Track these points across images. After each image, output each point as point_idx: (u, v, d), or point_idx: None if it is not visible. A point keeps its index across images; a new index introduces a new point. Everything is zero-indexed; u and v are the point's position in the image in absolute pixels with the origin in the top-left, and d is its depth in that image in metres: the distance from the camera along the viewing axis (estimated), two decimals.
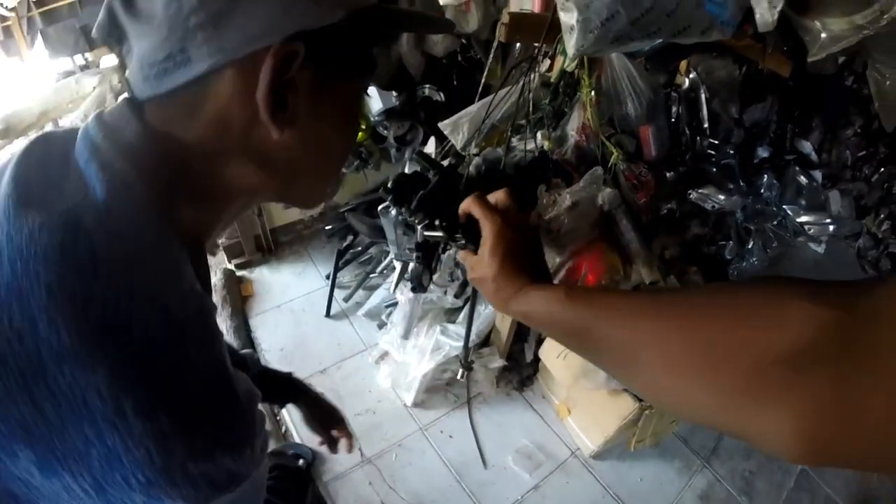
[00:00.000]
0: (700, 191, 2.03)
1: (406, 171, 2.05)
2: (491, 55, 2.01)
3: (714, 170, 2.07)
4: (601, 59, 1.68)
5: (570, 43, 1.31)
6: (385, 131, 2.47)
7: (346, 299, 2.83)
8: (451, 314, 2.36)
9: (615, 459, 2.36)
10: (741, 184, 2.11)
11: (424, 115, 2.45)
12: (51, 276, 0.45)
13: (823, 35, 1.48)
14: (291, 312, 2.80)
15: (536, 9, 1.59)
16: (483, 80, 2.08)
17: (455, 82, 2.53)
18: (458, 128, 1.70)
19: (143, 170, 0.53)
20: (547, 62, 1.76)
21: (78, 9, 4.95)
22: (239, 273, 2.94)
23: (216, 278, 2.79)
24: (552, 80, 1.69)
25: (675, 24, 1.39)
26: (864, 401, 0.38)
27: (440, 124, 1.77)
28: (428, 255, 1.71)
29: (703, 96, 2.03)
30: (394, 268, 2.34)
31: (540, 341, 2.37)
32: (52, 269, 0.45)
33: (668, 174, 1.95)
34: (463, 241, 0.91)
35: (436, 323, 2.32)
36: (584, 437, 2.34)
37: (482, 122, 1.66)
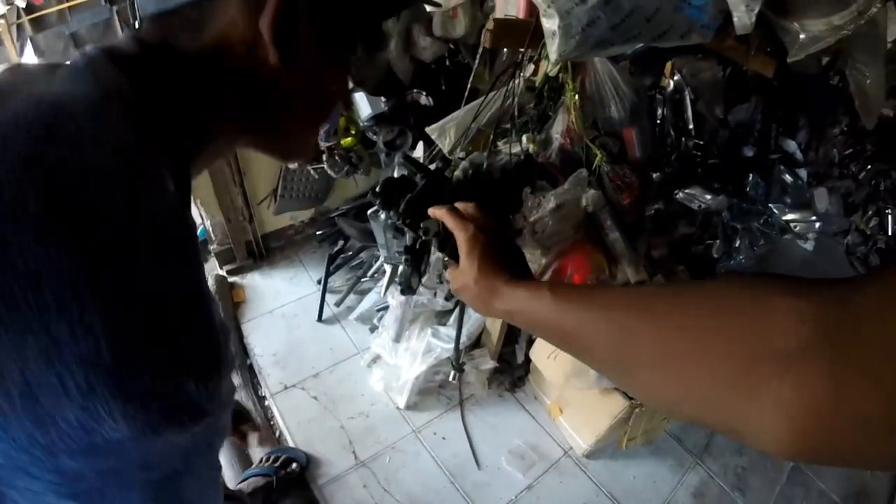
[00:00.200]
0: (686, 191, 2.08)
1: (394, 175, 2.10)
2: (477, 60, 2.05)
3: (700, 170, 2.12)
4: (585, 63, 1.73)
5: (553, 48, 1.36)
6: (375, 136, 2.51)
7: (338, 304, 2.86)
8: (442, 317, 2.39)
9: (608, 458, 2.40)
10: (727, 183, 2.16)
11: (413, 119, 2.49)
12: (29, 149, 0.43)
13: (802, 36, 1.53)
14: (283, 318, 2.82)
15: (521, 15, 1.62)
16: (470, 85, 2.12)
17: (443, 87, 2.56)
18: (446, 132, 1.74)
19: (134, 78, 0.51)
20: (532, 67, 1.80)
21: (68, 16, 4.96)
22: (231, 279, 2.97)
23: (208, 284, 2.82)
24: (537, 84, 1.73)
25: (655, 28, 1.43)
26: (853, 396, 0.38)
27: (427, 129, 1.81)
28: (416, 257, 1.74)
29: (687, 98, 2.08)
30: (384, 271, 2.36)
31: (531, 342, 2.41)
32: (31, 143, 0.43)
33: (654, 175, 2.00)
34: (445, 256, 0.93)
35: (427, 325, 2.35)
36: (576, 436, 2.37)
37: (469, 127, 1.70)
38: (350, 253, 2.86)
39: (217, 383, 0.48)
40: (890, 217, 3.85)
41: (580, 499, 2.27)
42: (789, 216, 2.36)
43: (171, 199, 0.50)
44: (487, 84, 2.03)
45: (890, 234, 3.89)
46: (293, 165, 2.72)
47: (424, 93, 2.53)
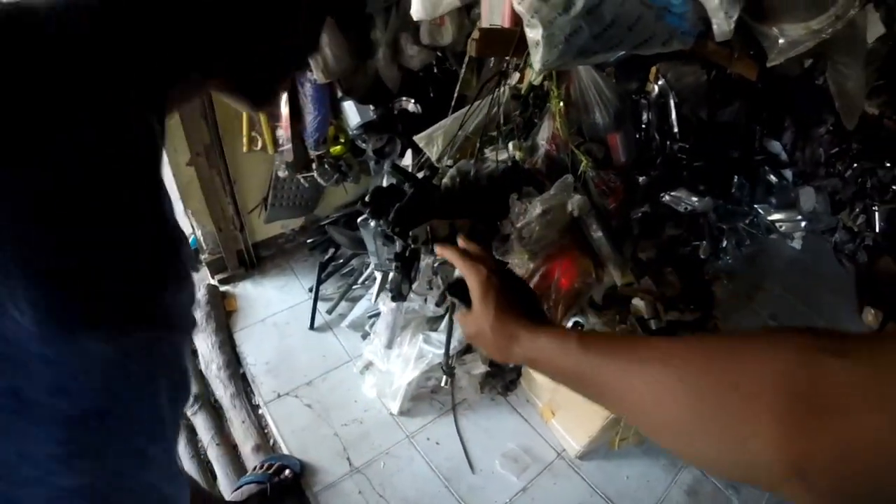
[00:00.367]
0: (672, 194, 2.13)
1: (383, 184, 2.13)
2: (464, 67, 2.09)
3: (685, 173, 2.17)
4: (569, 70, 1.77)
5: (537, 58, 1.40)
6: (364, 144, 2.55)
7: (330, 311, 2.88)
8: (433, 322, 2.43)
9: (601, 459, 2.43)
10: (713, 185, 2.21)
11: (402, 127, 2.52)
12: None
13: (781, 41, 1.57)
14: (275, 326, 2.85)
15: (506, 23, 1.66)
16: (457, 92, 2.16)
17: (431, 94, 2.60)
18: (433, 140, 1.78)
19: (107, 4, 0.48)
20: (517, 75, 1.84)
21: None
22: (222, 288, 2.99)
23: (199, 294, 2.84)
24: (522, 92, 1.77)
25: (637, 36, 1.48)
26: (856, 442, 0.39)
27: (415, 137, 1.85)
28: (406, 264, 1.79)
29: (672, 102, 2.13)
30: (375, 278, 2.40)
31: None
32: None
33: (640, 178, 2.05)
34: (455, 300, 0.91)
35: (418, 331, 2.39)
36: (568, 438, 2.41)
37: (456, 135, 1.74)
38: (341, 260, 2.89)
39: (160, 288, 0.42)
40: (877, 214, 3.92)
41: (574, 500, 2.30)
42: (775, 216, 2.42)
43: (144, 116, 0.47)
44: (475, 91, 2.07)
45: (877, 230, 3.96)
46: (282, 174, 2.74)
47: (413, 100, 2.57)
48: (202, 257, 3.00)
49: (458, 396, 2.53)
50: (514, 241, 1.60)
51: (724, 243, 2.38)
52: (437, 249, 0.94)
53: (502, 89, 1.67)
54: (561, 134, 1.72)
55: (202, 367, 2.64)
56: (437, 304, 2.21)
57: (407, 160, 2.32)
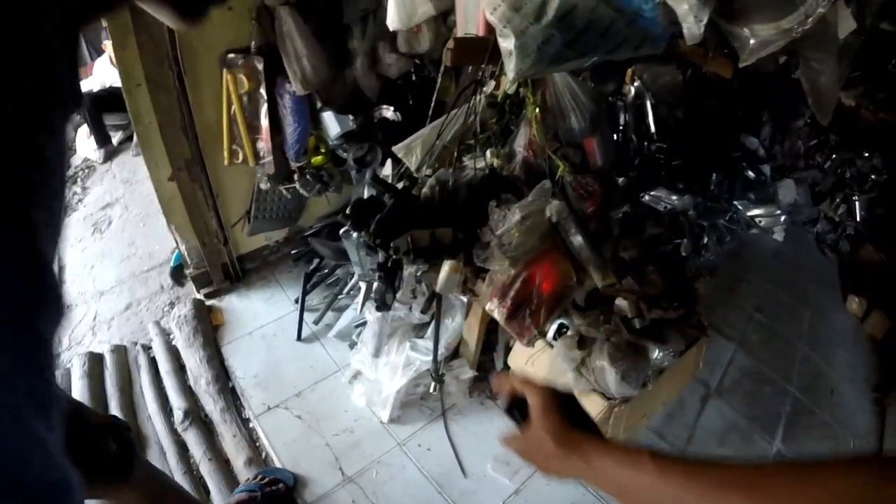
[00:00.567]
0: (652, 193, 2.17)
1: (364, 195, 2.16)
2: (441, 74, 2.13)
3: (664, 172, 2.21)
4: (544, 77, 1.80)
5: (510, 67, 1.43)
6: (345, 154, 2.58)
7: (316, 322, 2.91)
8: (419, 330, 2.46)
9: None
10: (691, 183, 2.25)
11: (382, 135, 2.56)
12: None
13: (752, 41, 1.61)
14: (263, 338, 2.87)
15: (481, 32, 1.69)
16: (435, 98, 2.19)
17: (410, 101, 2.63)
18: (412, 150, 1.81)
19: None
20: (493, 83, 1.87)
21: None
22: (208, 302, 3.01)
23: (186, 309, 2.85)
24: (498, 99, 1.81)
25: (609, 42, 1.51)
26: None
27: (394, 148, 1.88)
28: (390, 275, 1.82)
29: (648, 103, 2.17)
30: (360, 288, 2.43)
31: (508, 349, 2.48)
32: None
33: (619, 180, 2.09)
34: (516, 419, 0.92)
35: (405, 339, 2.42)
36: None
37: (434, 144, 1.77)
38: (326, 271, 2.92)
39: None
40: (857, 203, 4.01)
41: (567, 500, 2.33)
42: (754, 211, 2.46)
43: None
44: (453, 97, 2.10)
45: (858, 219, 4.04)
46: (265, 186, 2.76)
47: (392, 108, 2.60)
48: (187, 272, 3.02)
49: (448, 402, 2.56)
50: (494, 248, 1.64)
51: (705, 240, 2.43)
52: (495, 384, 0.95)
53: (478, 98, 1.70)
54: (538, 140, 1.75)
55: (191, 382, 2.66)
56: (423, 311, 2.25)
57: (387, 170, 2.35)
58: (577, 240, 1.70)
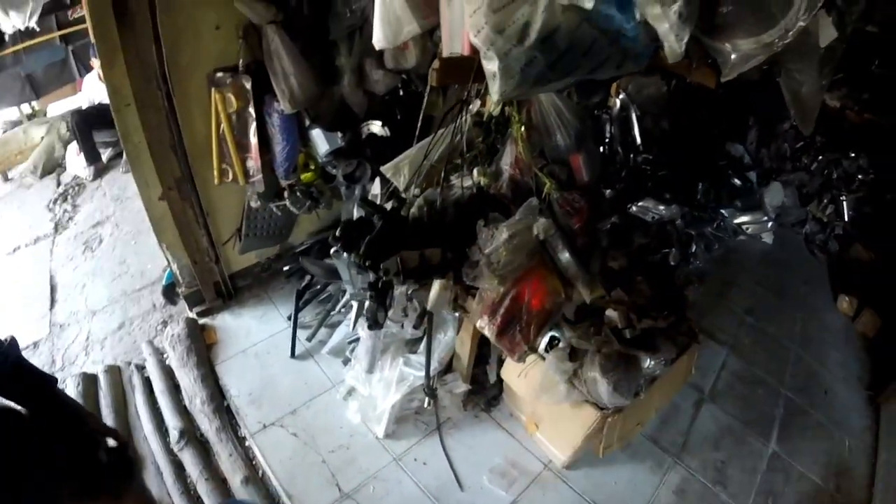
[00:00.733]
0: (639, 204, 2.21)
1: (354, 211, 2.19)
2: (427, 93, 2.15)
3: (650, 183, 2.24)
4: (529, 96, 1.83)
5: (494, 89, 1.45)
6: (334, 170, 2.60)
7: (310, 338, 2.93)
8: (412, 345, 2.49)
9: (588, 467, 2.49)
10: (678, 193, 2.29)
11: (371, 151, 2.58)
12: None
13: (734, 56, 1.62)
14: (256, 356, 2.89)
15: (466, 51, 1.71)
16: (423, 113, 2.21)
17: (398, 116, 2.66)
18: (399, 170, 1.84)
19: None
20: (478, 102, 1.90)
21: (23, 57, 4.97)
22: (201, 321, 3.03)
23: (179, 328, 2.86)
24: (484, 118, 1.83)
25: (592, 61, 1.53)
26: None
27: (382, 168, 1.90)
28: (381, 294, 1.84)
29: (633, 115, 2.20)
30: (352, 305, 2.45)
31: (501, 362, 2.50)
32: None
33: (606, 192, 2.12)
34: None
35: (398, 355, 2.45)
36: (553, 449, 2.48)
37: (421, 164, 1.79)
38: (318, 287, 2.94)
39: None
40: (845, 203, 4.05)
41: None
42: (741, 219, 2.50)
43: None
44: (441, 111, 2.12)
45: (846, 219, 4.09)
46: (255, 204, 2.78)
47: (380, 123, 2.62)
48: (179, 290, 3.03)
49: (442, 416, 2.58)
50: (483, 266, 1.66)
51: (694, 248, 2.46)
52: None
53: (464, 118, 1.72)
54: (524, 158, 1.78)
55: (186, 401, 2.68)
56: (415, 327, 2.27)
57: (376, 188, 2.37)
58: (565, 256, 1.73)
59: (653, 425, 2.68)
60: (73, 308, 3.35)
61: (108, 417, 2.58)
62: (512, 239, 1.61)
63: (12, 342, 1.25)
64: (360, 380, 2.52)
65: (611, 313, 2.02)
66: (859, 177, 4.04)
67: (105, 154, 4.68)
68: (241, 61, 2.47)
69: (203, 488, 2.35)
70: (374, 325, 1.81)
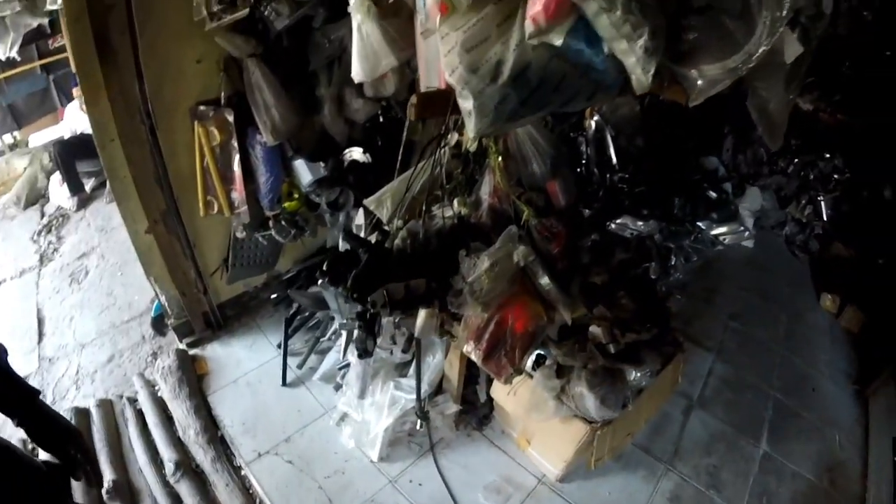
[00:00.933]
0: (618, 221, 2.28)
1: (339, 240, 2.25)
2: (407, 123, 2.21)
3: (628, 200, 2.31)
4: None
5: (470, 126, 1.52)
6: (318, 198, 2.66)
7: (300, 366, 2.98)
8: (401, 368, 2.55)
9: (581, 479, 2.55)
10: (655, 209, 2.36)
11: (353, 178, 2.65)
12: None
13: (700, 81, 1.69)
14: (248, 385, 2.93)
15: (442, 84, 1.78)
16: (405, 138, 2.28)
17: (379, 142, 2.72)
18: (382, 203, 1.91)
19: None
20: (456, 135, 1.97)
21: (4, 87, 5.00)
22: (191, 352, 3.07)
23: (169, 360, 2.90)
24: (462, 150, 1.91)
25: (563, 95, 1.60)
26: None
27: (365, 201, 1.97)
28: (369, 323, 1.90)
29: (608, 135, 2.28)
30: (342, 332, 2.50)
31: (490, 381, 2.57)
32: None
33: (585, 211, 2.20)
34: None
35: (389, 379, 2.50)
36: (546, 463, 2.54)
37: (403, 196, 1.86)
38: (306, 314, 2.99)
39: None
40: (823, 203, 4.17)
41: None
42: (718, 230, 2.57)
43: None
44: (421, 136, 2.19)
45: (825, 219, 4.21)
46: (241, 234, 2.83)
47: (361, 149, 2.68)
48: (168, 322, 3.07)
49: (435, 436, 2.64)
50: (466, 294, 1.73)
51: (673, 261, 2.53)
52: None
53: (443, 150, 1.79)
54: (502, 186, 1.85)
55: (180, 433, 2.71)
56: (404, 352, 2.33)
57: (360, 219, 2.43)
58: (545, 280, 1.81)
59: (643, 435, 2.74)
60: (62, 341, 3.37)
61: (101, 451, 2.60)
62: (493, 267, 1.68)
63: (1, 349, 1.31)
64: (352, 405, 2.57)
65: (594, 329, 2.09)
66: (835, 177, 4.16)
67: (88, 184, 4.71)
68: (222, 94, 2.53)
69: None
70: (364, 353, 1.88)
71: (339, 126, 2.64)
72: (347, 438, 2.62)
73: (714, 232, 2.55)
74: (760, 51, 1.61)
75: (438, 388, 2.61)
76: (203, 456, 2.59)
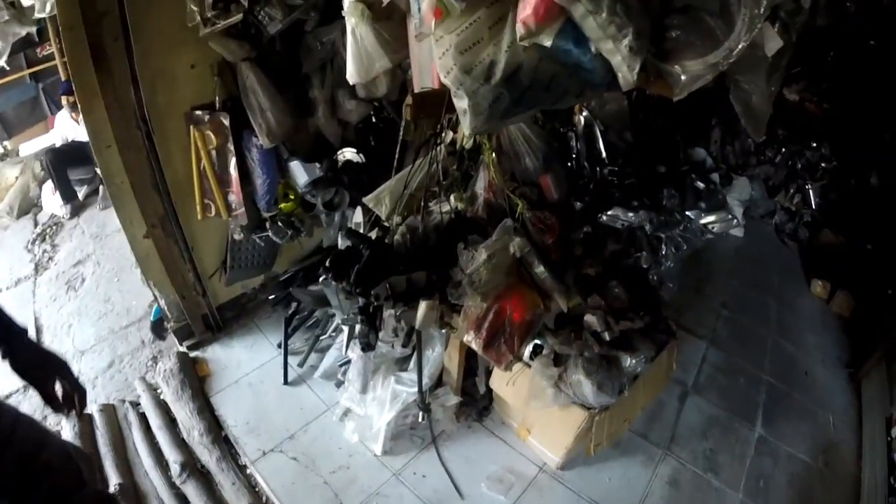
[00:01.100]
0: (609, 213, 2.38)
1: (338, 238, 2.34)
2: (403, 124, 2.30)
3: (618, 193, 2.42)
4: None
5: (466, 124, 1.61)
6: (314, 199, 2.74)
7: (301, 364, 3.05)
8: (402, 363, 2.63)
9: (581, 466, 2.66)
10: (644, 200, 2.47)
11: (348, 178, 2.73)
12: None
13: (683, 77, 1.78)
14: (250, 385, 3.00)
15: (436, 84, 1.85)
16: (401, 137, 2.37)
17: (372, 142, 2.81)
18: (381, 201, 2.00)
19: None
20: (451, 134, 2.06)
21: None
22: (192, 354, 3.14)
23: (171, 363, 2.97)
24: (457, 147, 2.00)
25: (553, 94, 1.69)
26: None
27: (364, 199, 2.06)
28: (371, 317, 1.99)
29: (597, 130, 2.38)
30: (342, 329, 2.57)
31: (489, 372, 2.67)
32: None
33: (577, 204, 2.30)
34: None
35: (389, 373, 2.59)
36: (546, 451, 2.63)
37: (401, 193, 1.96)
38: (305, 313, 3.07)
39: None
40: (811, 192, 4.30)
41: None
42: (706, 219, 2.68)
43: None
44: (416, 136, 2.28)
45: (814, 206, 4.34)
46: (238, 236, 2.91)
47: (354, 150, 2.77)
48: (168, 325, 3.14)
49: (437, 429, 2.73)
50: (465, 286, 1.83)
51: (664, 250, 2.64)
52: None
53: (439, 148, 1.89)
54: (496, 181, 1.95)
55: (184, 434, 2.78)
56: (404, 346, 2.42)
57: (358, 217, 2.51)
58: (540, 270, 1.90)
59: (640, 422, 2.85)
60: (61, 349, 3.41)
61: (106, 456, 2.65)
62: (491, 258, 1.78)
63: None
64: (354, 400, 2.65)
65: (589, 318, 2.19)
66: (822, 165, 4.30)
67: (81, 192, 4.76)
68: (217, 98, 2.60)
69: None
70: (367, 347, 1.96)
71: (332, 127, 2.72)
72: (351, 433, 2.70)
73: (703, 221, 2.66)
74: (740, 46, 1.70)
75: (438, 382, 2.70)
76: (208, 456, 2.66)
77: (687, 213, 2.63)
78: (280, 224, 2.85)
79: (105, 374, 3.23)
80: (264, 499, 2.54)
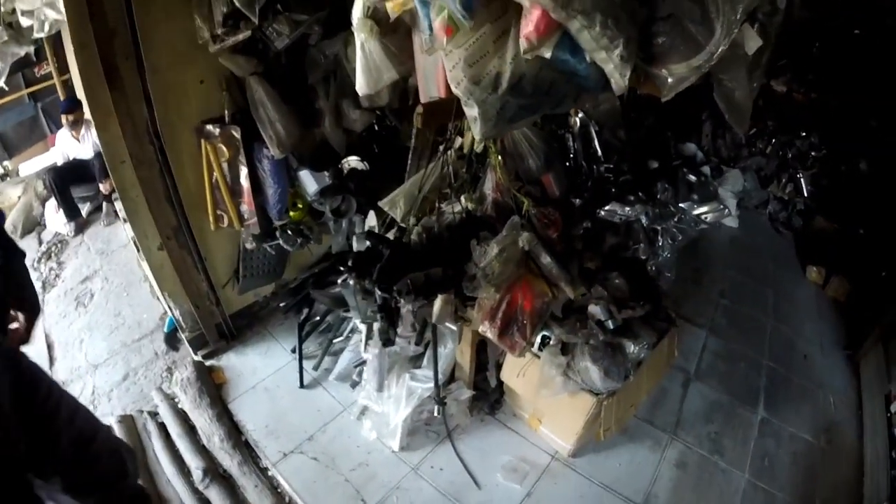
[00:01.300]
0: (606, 208, 2.58)
1: (353, 243, 2.52)
2: (414, 131, 2.47)
3: (614, 188, 2.62)
4: None
5: (476, 130, 1.79)
6: (322, 207, 2.92)
7: (316, 367, 3.21)
8: (414, 361, 2.79)
9: (591, 453, 2.83)
10: (640, 195, 2.66)
11: (354, 185, 2.90)
12: None
13: (669, 79, 1.95)
14: (266, 391, 3.15)
15: (442, 93, 2.01)
16: (412, 145, 2.53)
17: (376, 150, 2.99)
18: (396, 203, 2.19)
19: None
20: (459, 139, 2.26)
21: None
22: (208, 363, 3.29)
23: (188, 372, 3.12)
24: (465, 151, 2.20)
25: (553, 99, 1.87)
26: None
27: (380, 203, 2.25)
28: (390, 314, 2.18)
29: (593, 130, 2.58)
30: (355, 331, 2.73)
31: (499, 366, 2.84)
32: None
33: (576, 201, 2.49)
34: None
35: (403, 371, 2.74)
36: (558, 440, 2.80)
37: (415, 196, 2.15)
38: (317, 318, 3.23)
39: None
40: (803, 180, 4.53)
41: (576, 494, 2.68)
42: (699, 210, 2.88)
43: None
44: (417, 143, 2.46)
45: (806, 194, 4.56)
46: (250, 246, 3.08)
47: (358, 158, 2.95)
48: (182, 336, 3.29)
49: (451, 423, 2.88)
50: (480, 278, 2.02)
51: (660, 242, 2.83)
52: None
53: (450, 153, 2.09)
54: (503, 182, 2.15)
55: (204, 441, 2.92)
56: (417, 343, 2.59)
57: (371, 220, 2.68)
58: (547, 261, 2.10)
59: (646, 408, 3.02)
60: (74, 364, 3.53)
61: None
62: (502, 252, 1.97)
63: None
64: (371, 399, 2.80)
65: (593, 308, 2.37)
66: (812, 154, 4.52)
67: (84, 209, 4.87)
68: (226, 112, 2.73)
69: None
70: (388, 342, 2.15)
71: (338, 136, 2.89)
72: (369, 431, 2.85)
73: (696, 212, 2.85)
74: (720, 50, 1.86)
75: (451, 378, 2.86)
76: (230, 461, 2.78)
77: (680, 205, 2.82)
78: (290, 232, 3.01)
79: (120, 387, 3.35)
80: (287, 499, 2.67)
